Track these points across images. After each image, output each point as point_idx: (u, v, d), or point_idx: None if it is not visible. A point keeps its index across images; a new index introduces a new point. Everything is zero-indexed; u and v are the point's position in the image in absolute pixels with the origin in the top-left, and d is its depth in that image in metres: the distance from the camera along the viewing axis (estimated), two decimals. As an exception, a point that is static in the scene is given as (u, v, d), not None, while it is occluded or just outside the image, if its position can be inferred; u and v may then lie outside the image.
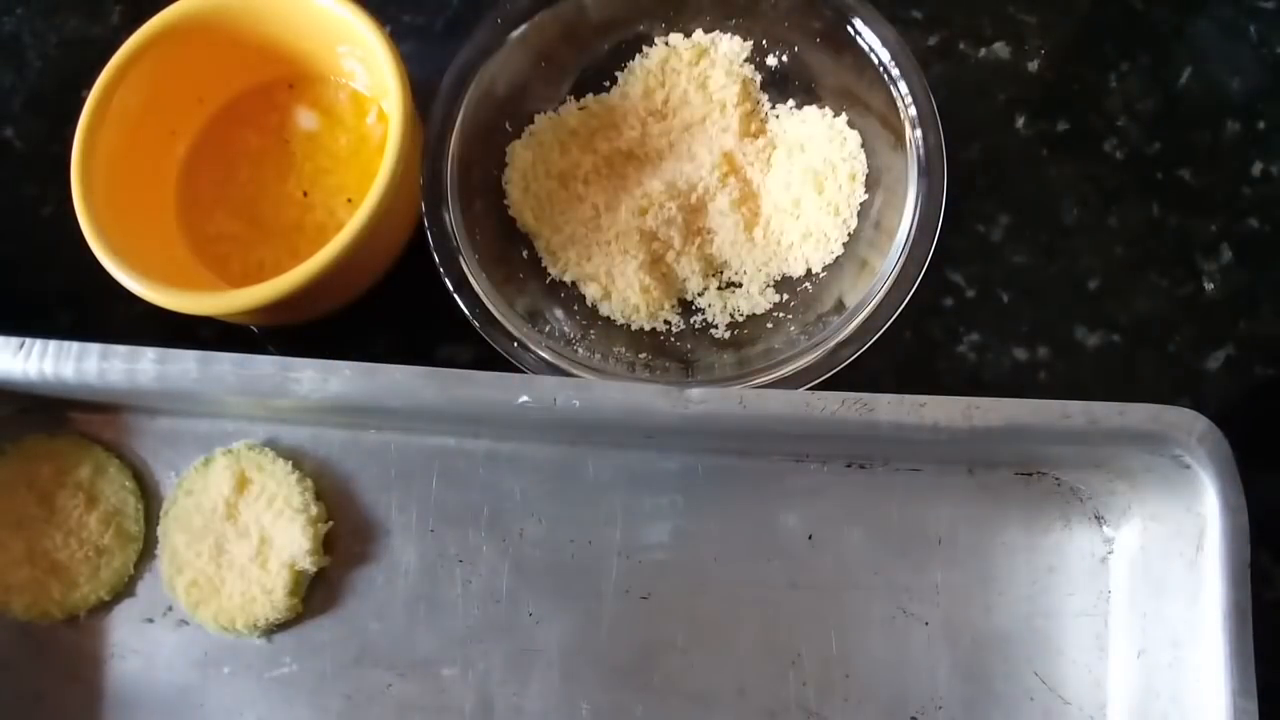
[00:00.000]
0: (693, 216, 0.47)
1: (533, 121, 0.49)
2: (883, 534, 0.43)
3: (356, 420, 0.45)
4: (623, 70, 0.50)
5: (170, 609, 0.45)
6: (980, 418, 0.38)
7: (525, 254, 0.48)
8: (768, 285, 0.47)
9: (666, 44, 0.49)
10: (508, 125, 0.48)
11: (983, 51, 0.51)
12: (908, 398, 0.39)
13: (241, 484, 0.44)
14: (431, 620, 0.44)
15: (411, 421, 0.44)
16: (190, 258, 0.49)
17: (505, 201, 0.48)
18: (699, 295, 0.48)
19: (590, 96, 0.50)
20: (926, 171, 0.43)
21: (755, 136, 0.49)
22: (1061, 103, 0.50)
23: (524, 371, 0.42)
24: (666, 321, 0.47)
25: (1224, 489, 0.38)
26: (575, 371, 0.42)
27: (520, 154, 0.48)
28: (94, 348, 0.41)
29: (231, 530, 0.44)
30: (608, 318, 0.47)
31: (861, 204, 0.46)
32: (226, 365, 0.41)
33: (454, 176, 0.45)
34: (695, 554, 0.44)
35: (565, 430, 0.44)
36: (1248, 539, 0.37)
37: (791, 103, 0.49)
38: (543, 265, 0.48)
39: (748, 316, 0.47)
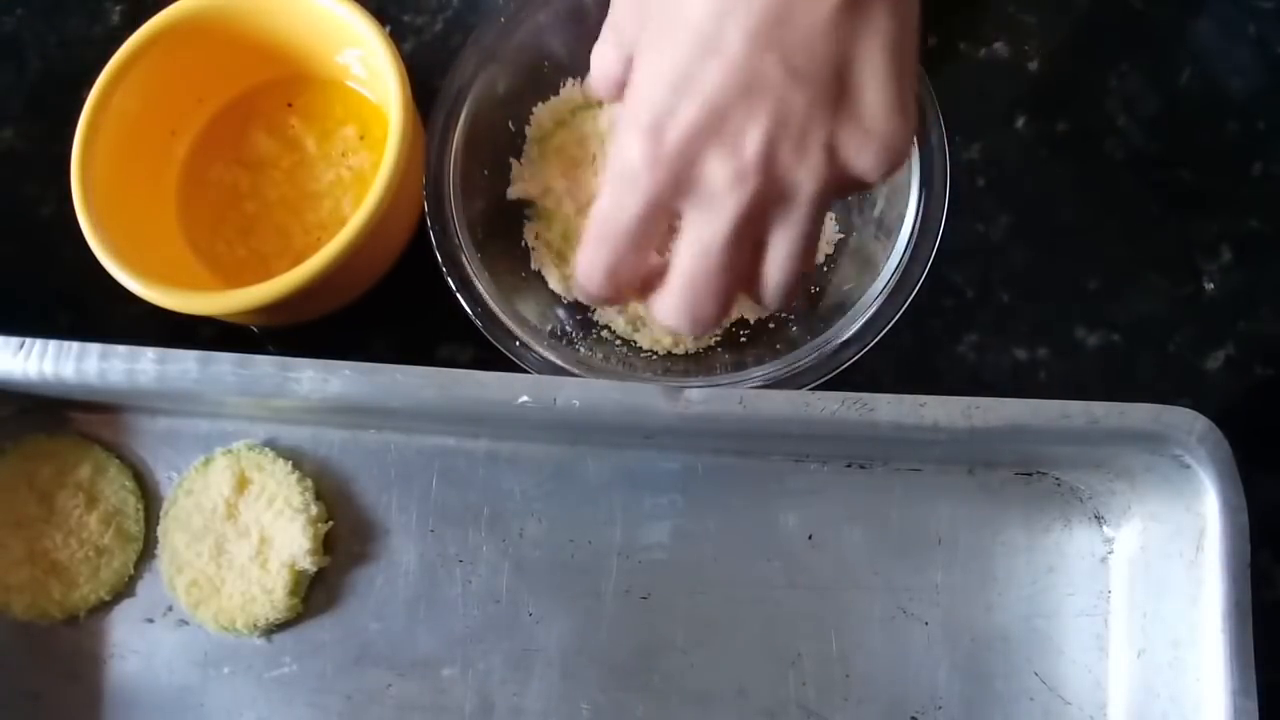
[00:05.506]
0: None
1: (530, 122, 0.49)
2: (883, 534, 0.43)
3: (356, 420, 0.45)
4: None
5: (170, 609, 0.45)
6: (980, 418, 0.38)
7: (526, 252, 0.48)
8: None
9: None
10: (509, 125, 0.48)
11: (983, 51, 0.51)
12: (908, 398, 0.39)
13: (241, 484, 0.44)
14: (431, 620, 0.44)
15: (411, 421, 0.44)
16: (190, 258, 0.49)
17: (508, 202, 0.48)
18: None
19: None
20: (927, 171, 0.43)
21: None
22: (1061, 103, 0.50)
23: (525, 371, 0.42)
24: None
25: (1224, 489, 0.38)
26: (576, 371, 0.42)
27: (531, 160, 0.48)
28: (94, 348, 0.41)
29: (231, 530, 0.44)
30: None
31: (863, 204, 0.46)
32: (226, 365, 0.41)
33: (456, 176, 0.45)
34: (695, 554, 0.44)
35: (565, 430, 0.44)
36: (1248, 539, 0.37)
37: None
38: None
39: (750, 317, 0.47)
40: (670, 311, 0.34)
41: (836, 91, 0.31)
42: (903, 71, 0.31)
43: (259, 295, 0.42)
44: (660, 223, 0.33)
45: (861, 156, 0.32)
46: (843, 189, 0.33)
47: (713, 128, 0.30)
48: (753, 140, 0.30)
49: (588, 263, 0.34)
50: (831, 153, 0.31)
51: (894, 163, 0.32)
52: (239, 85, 0.51)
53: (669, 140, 0.31)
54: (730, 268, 0.33)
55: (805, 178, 0.31)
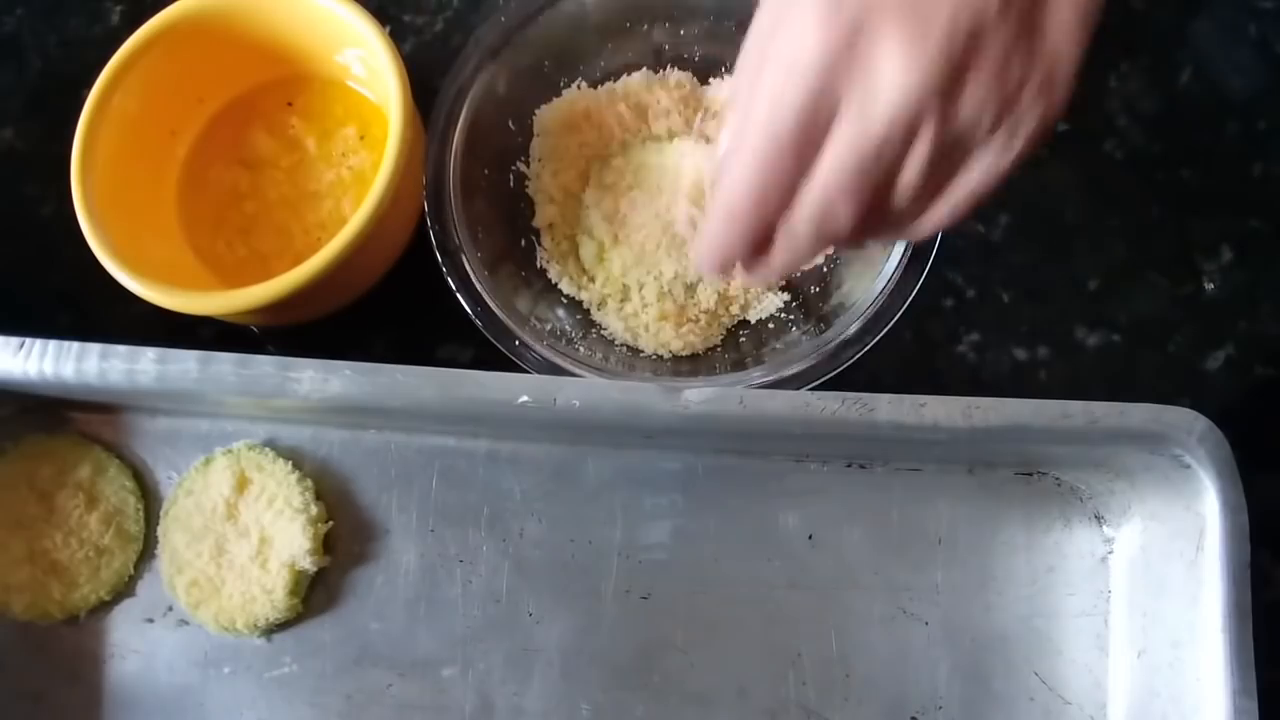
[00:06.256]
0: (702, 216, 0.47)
1: (534, 117, 0.49)
2: (883, 534, 0.43)
3: (356, 420, 0.45)
4: (627, 74, 0.50)
5: (170, 609, 0.45)
6: (980, 418, 0.38)
7: (527, 252, 0.48)
8: (771, 287, 0.47)
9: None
10: (510, 125, 0.48)
11: (983, 51, 0.51)
12: (908, 398, 0.39)
13: (241, 484, 0.44)
14: (431, 620, 0.44)
15: (411, 421, 0.44)
16: (190, 258, 0.49)
17: (509, 201, 0.48)
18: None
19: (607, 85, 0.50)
20: (927, 171, 0.43)
21: None
22: (1061, 103, 0.50)
23: (525, 370, 0.42)
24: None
25: (1224, 489, 0.38)
26: (576, 370, 0.42)
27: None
28: (94, 348, 0.41)
29: (231, 530, 0.44)
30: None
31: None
32: (226, 365, 0.41)
33: (456, 176, 0.45)
34: (695, 554, 0.44)
35: (565, 430, 0.44)
36: (1248, 539, 0.37)
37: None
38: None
39: (750, 317, 0.47)
40: (805, 217, 0.31)
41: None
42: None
43: (259, 295, 0.42)
44: (821, 122, 0.29)
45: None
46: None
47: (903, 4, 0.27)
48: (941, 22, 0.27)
49: (732, 183, 0.31)
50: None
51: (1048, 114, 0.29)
52: (239, 85, 0.51)
53: (846, 6, 0.28)
54: (879, 168, 0.29)
55: (992, 98, 0.28)
